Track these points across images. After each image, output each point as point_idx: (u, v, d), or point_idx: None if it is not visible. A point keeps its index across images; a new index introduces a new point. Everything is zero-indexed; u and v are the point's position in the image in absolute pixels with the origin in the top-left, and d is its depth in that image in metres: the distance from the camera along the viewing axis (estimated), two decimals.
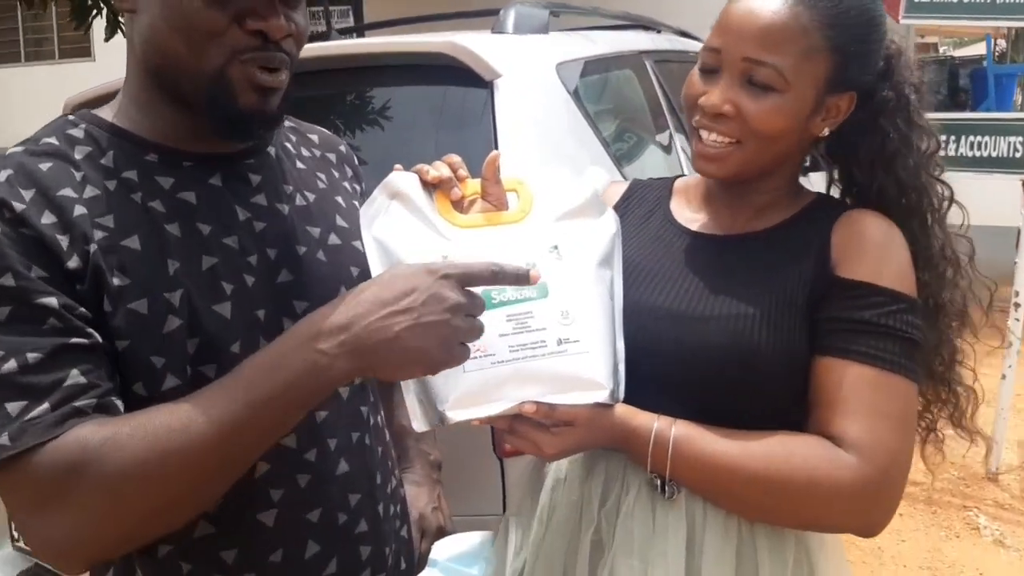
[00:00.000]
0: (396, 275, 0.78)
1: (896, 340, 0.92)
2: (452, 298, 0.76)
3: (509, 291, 0.88)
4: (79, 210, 0.80)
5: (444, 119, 1.77)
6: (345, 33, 2.47)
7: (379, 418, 1.02)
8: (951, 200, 1.06)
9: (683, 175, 1.20)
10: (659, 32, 3.13)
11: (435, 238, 0.91)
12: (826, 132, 1.01)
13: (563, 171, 1.02)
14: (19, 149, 0.83)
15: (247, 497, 0.86)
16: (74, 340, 0.76)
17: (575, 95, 1.88)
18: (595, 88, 2.11)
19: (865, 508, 0.89)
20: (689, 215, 1.10)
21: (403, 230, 0.90)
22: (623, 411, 0.93)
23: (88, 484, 0.71)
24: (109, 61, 4.84)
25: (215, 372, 0.82)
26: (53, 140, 0.84)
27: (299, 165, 1.00)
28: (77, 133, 0.86)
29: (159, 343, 0.80)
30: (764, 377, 0.94)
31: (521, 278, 0.82)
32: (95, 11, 4.18)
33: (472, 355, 0.83)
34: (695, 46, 2.96)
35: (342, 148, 1.11)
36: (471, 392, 0.86)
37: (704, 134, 0.98)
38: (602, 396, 0.89)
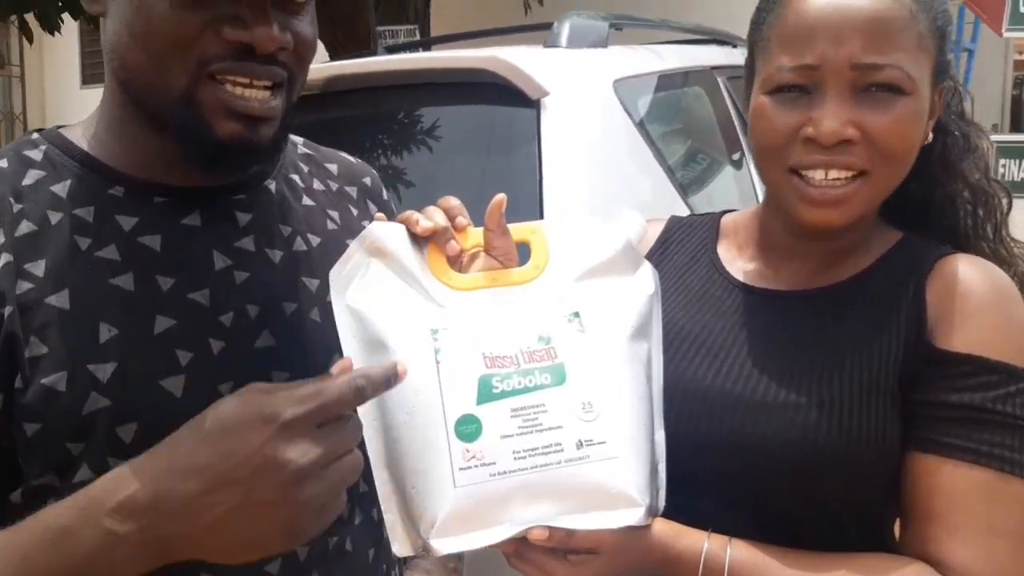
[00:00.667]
0: (221, 425, 0.57)
1: (1017, 431, 0.74)
2: (294, 461, 0.56)
3: (515, 377, 0.71)
4: (4, 258, 0.66)
5: (488, 141, 1.63)
6: (396, 50, 2.38)
7: (373, 512, 0.82)
8: (1011, 206, 0.91)
9: (731, 211, 1.00)
10: (735, 47, 2.96)
11: (425, 306, 0.74)
12: (930, 138, 0.83)
13: (588, 217, 0.83)
14: None
15: None
16: None
17: (635, 115, 1.71)
18: (659, 107, 1.93)
19: None
20: (742, 263, 0.91)
21: (384, 296, 0.73)
22: (664, 529, 0.74)
23: None
24: None
25: None
26: (3, 163, 0.71)
27: (306, 201, 0.83)
28: (35, 155, 0.73)
29: (77, 427, 0.65)
30: (841, 480, 0.77)
31: (391, 379, 0.61)
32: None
33: (465, 464, 0.67)
34: None
35: (367, 180, 0.93)
36: (463, 514, 0.67)
37: (814, 174, 0.79)
38: (635, 517, 0.70)
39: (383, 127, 1.74)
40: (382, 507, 0.70)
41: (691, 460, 0.77)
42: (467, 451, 0.68)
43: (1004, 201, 0.90)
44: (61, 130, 0.76)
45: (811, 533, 0.77)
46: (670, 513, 0.74)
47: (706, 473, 0.79)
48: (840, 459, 0.76)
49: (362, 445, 0.66)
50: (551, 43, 1.77)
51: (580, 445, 0.69)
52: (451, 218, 0.76)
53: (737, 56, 2.78)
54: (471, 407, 0.69)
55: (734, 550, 0.73)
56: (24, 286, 0.66)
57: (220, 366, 0.71)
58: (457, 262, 0.77)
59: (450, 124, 1.69)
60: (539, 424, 0.69)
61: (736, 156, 2.20)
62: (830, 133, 0.76)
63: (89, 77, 10.80)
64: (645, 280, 0.80)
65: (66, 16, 4.18)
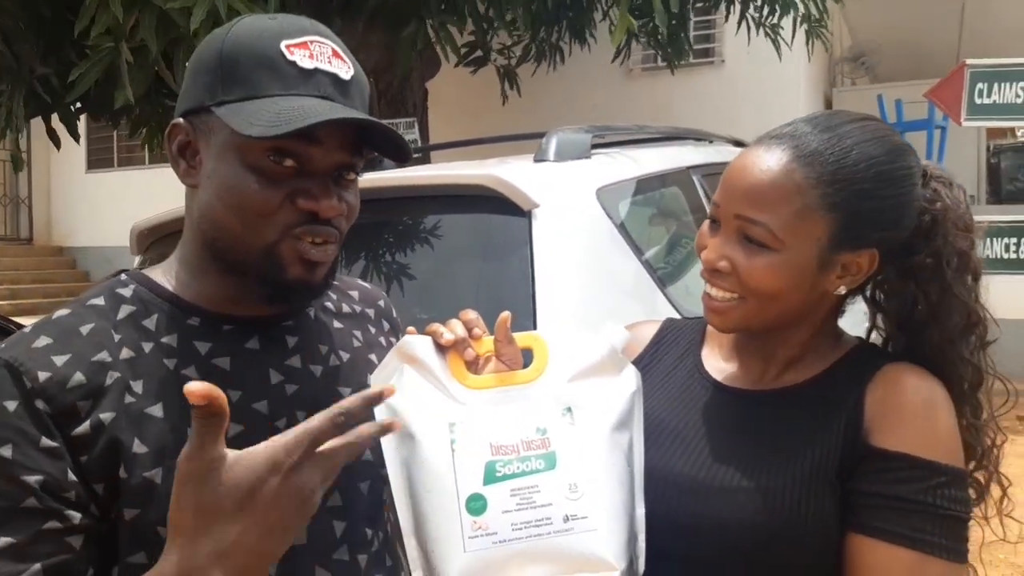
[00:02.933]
0: (243, 491, 0.69)
1: (937, 519, 0.84)
2: (307, 487, 0.70)
3: (515, 463, 0.85)
4: (112, 376, 0.82)
5: (485, 247, 1.80)
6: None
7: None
8: (995, 376, 0.97)
9: None
10: (711, 143, 3.15)
11: (446, 402, 0.89)
12: (843, 290, 0.95)
13: (579, 328, 0.99)
14: (65, 312, 0.87)
15: None
16: (48, 525, 0.76)
17: (616, 218, 1.88)
18: (638, 208, 2.11)
19: None
20: (719, 364, 1.05)
21: (415, 395, 0.89)
22: None
23: None
24: None
25: None
26: (100, 301, 0.88)
27: (336, 324, 1.01)
28: (125, 292, 0.90)
29: (165, 513, 0.79)
30: (792, 556, 0.89)
31: (373, 399, 0.75)
32: (159, 137, 4.54)
33: (473, 533, 0.81)
34: None
35: (381, 303, 1.12)
36: (471, 573, 0.82)
37: (707, 286, 0.96)
38: None
39: (393, 233, 1.90)
40: (411, 566, 0.84)
41: (663, 537, 0.90)
42: (475, 523, 0.82)
43: (973, 377, 0.96)
44: (145, 271, 0.94)
45: None
46: None
47: (674, 548, 0.91)
48: (785, 538, 0.87)
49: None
50: (540, 157, 1.94)
51: (566, 519, 0.83)
52: (468, 329, 0.93)
53: (713, 153, 2.96)
54: (479, 487, 0.84)
55: None
56: (128, 399, 0.82)
57: None
58: (473, 364, 0.93)
59: (452, 231, 1.85)
60: (533, 502, 0.83)
61: None
62: (707, 260, 0.95)
63: (93, 163, 10.96)
64: (628, 380, 0.93)
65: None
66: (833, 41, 8.13)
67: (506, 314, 0.93)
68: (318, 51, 0.86)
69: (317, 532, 0.88)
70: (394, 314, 1.13)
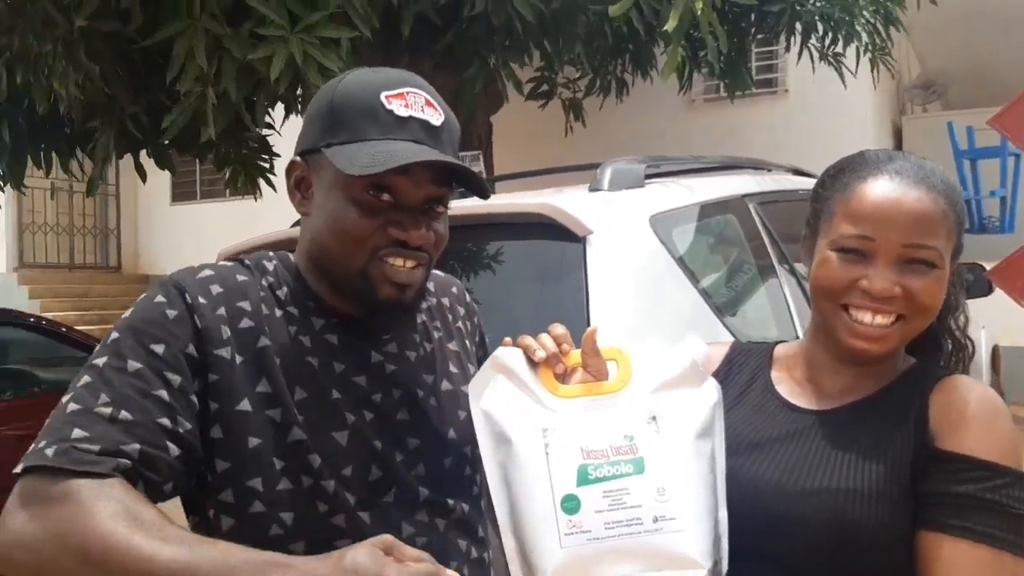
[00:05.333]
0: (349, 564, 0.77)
1: (1003, 516, 0.90)
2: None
3: (605, 467, 0.90)
4: (246, 322, 0.97)
5: (542, 273, 1.89)
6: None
7: (485, 555, 1.07)
8: (975, 351, 1.13)
9: (782, 341, 1.23)
10: (769, 171, 3.18)
11: (538, 409, 0.96)
12: None
13: (658, 343, 1.05)
14: (226, 263, 1.04)
15: None
16: (163, 420, 0.88)
17: (670, 245, 1.95)
18: (691, 236, 2.17)
19: None
20: (789, 387, 1.12)
21: (508, 403, 0.97)
22: None
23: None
24: (269, 201, 5.45)
25: (333, 487, 0.95)
26: (251, 264, 1.05)
27: (422, 317, 1.14)
28: (269, 265, 1.06)
29: (285, 448, 0.95)
30: (867, 553, 0.93)
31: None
32: (242, 176, 4.84)
33: (569, 531, 0.87)
34: (809, 183, 2.98)
35: (454, 290, 1.25)
36: (567, 568, 0.87)
37: (863, 315, 1.00)
38: (699, 575, 0.87)
39: (455, 259, 2.01)
40: (509, 564, 0.92)
41: (746, 537, 0.95)
42: (570, 521, 0.87)
43: (970, 349, 1.13)
44: (289, 254, 1.09)
45: None
46: None
47: (755, 548, 0.97)
48: (863, 537, 0.93)
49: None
50: (594, 187, 2.03)
51: (656, 520, 0.88)
52: (558, 344, 1.01)
53: (769, 181, 2.99)
54: (572, 488, 0.90)
55: None
56: (261, 342, 0.97)
57: (372, 428, 1.00)
58: (561, 376, 1.00)
59: (510, 258, 1.97)
60: (624, 503, 0.88)
61: (769, 276, 2.38)
62: (880, 291, 0.98)
63: (178, 196, 11.45)
64: (709, 392, 0.99)
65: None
66: (901, 69, 8.03)
67: (594, 327, 1.00)
68: (412, 100, 1.00)
69: (403, 495, 1.00)
70: (467, 298, 1.26)
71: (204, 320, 0.95)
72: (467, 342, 1.19)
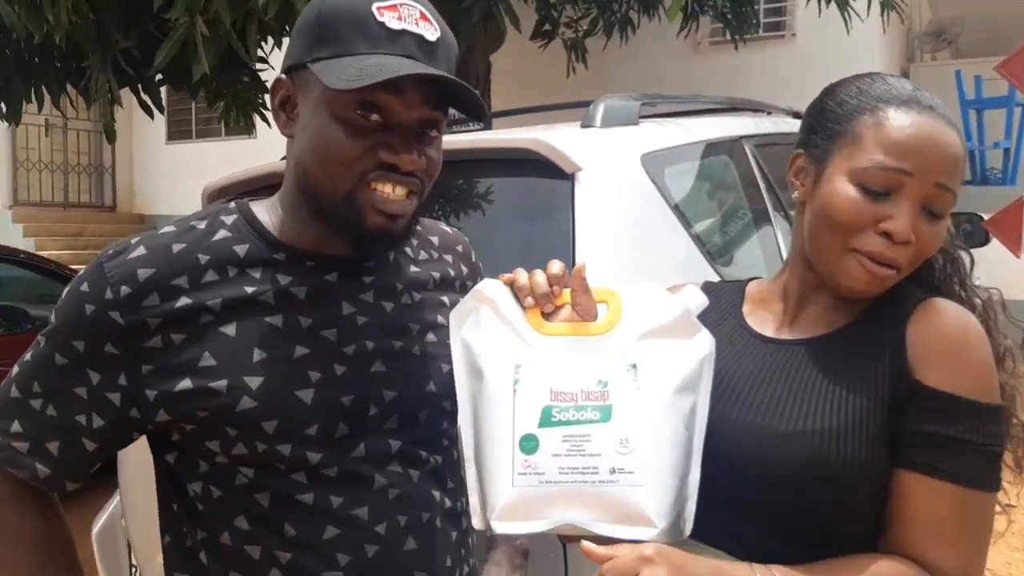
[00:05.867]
0: None
1: (983, 456, 0.91)
2: None
3: (571, 411, 0.87)
4: (183, 301, 0.93)
5: (529, 211, 1.85)
6: (456, 125, 2.62)
7: (458, 504, 1.06)
8: (972, 265, 1.08)
9: (757, 277, 1.19)
10: (769, 114, 3.11)
11: (517, 345, 0.93)
12: None
13: (657, 286, 0.98)
14: (170, 228, 0.99)
15: (315, 557, 0.93)
16: (79, 418, 0.93)
17: (661, 185, 1.90)
18: (685, 177, 2.12)
19: None
20: (762, 321, 1.09)
21: (488, 335, 0.94)
22: (714, 566, 0.88)
23: None
24: (267, 139, 5.36)
25: (290, 450, 0.92)
26: (202, 224, 0.99)
27: (413, 268, 1.09)
28: (227, 220, 1.00)
29: (232, 418, 0.92)
30: (847, 494, 0.92)
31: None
32: (225, 99, 4.73)
33: (523, 470, 0.86)
34: None
35: (459, 248, 1.19)
36: (515, 507, 0.86)
37: (869, 262, 0.95)
38: (649, 535, 0.84)
39: (444, 193, 1.97)
40: (469, 493, 0.92)
41: (719, 480, 0.92)
42: (525, 461, 0.86)
43: (967, 260, 1.08)
44: (252, 204, 1.04)
45: (814, 538, 0.93)
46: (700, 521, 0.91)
47: (730, 491, 0.95)
48: (841, 478, 0.91)
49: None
50: (586, 123, 1.97)
51: (613, 471, 0.85)
52: (550, 285, 0.95)
53: (768, 124, 2.93)
54: (534, 428, 0.88)
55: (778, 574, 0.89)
56: (204, 318, 0.93)
57: (341, 383, 0.97)
58: (549, 313, 0.95)
59: (497, 194, 1.92)
60: (583, 450, 0.86)
61: (762, 219, 2.34)
62: (903, 234, 0.93)
63: (174, 134, 11.36)
64: (700, 345, 0.93)
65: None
66: (912, 15, 7.85)
67: (582, 263, 0.95)
68: (406, 13, 0.93)
69: (375, 448, 0.98)
70: (474, 258, 1.21)
71: (127, 316, 0.92)
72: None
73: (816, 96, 1.08)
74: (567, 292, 0.97)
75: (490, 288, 0.97)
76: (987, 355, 0.94)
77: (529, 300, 0.94)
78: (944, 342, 0.93)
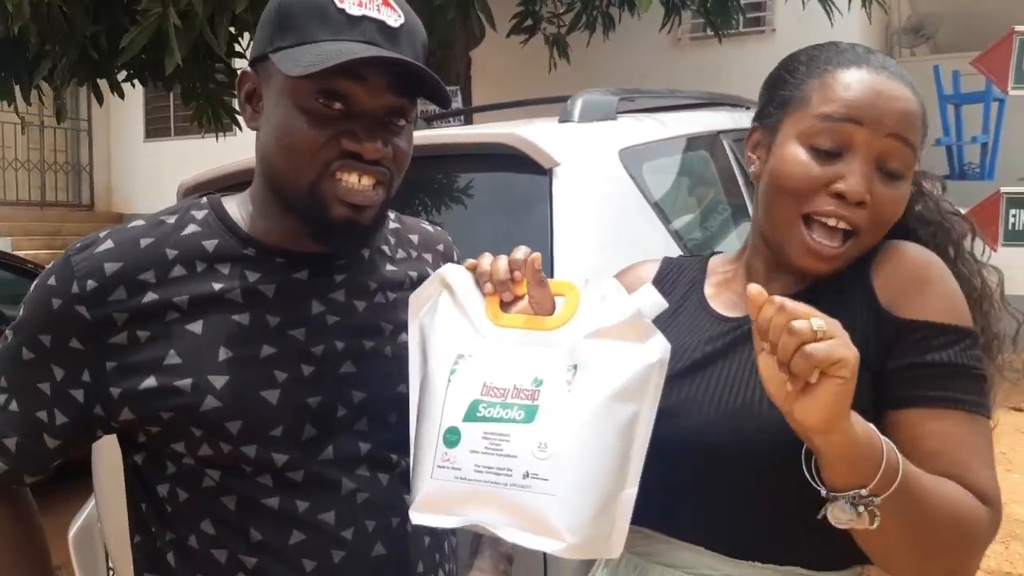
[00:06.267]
0: None
1: (974, 379, 0.89)
2: None
3: (497, 407, 0.84)
4: (150, 296, 0.91)
5: (507, 206, 1.84)
6: (435, 120, 2.62)
7: None
8: (974, 232, 1.03)
9: (719, 252, 1.17)
10: (748, 108, 3.12)
11: (468, 334, 0.91)
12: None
13: (614, 283, 0.91)
14: (139, 223, 0.96)
15: (281, 562, 0.92)
16: (40, 414, 0.91)
17: (639, 179, 1.90)
18: (663, 172, 2.12)
19: (983, 553, 0.89)
20: (725, 297, 1.06)
21: (443, 321, 0.92)
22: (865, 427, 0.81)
23: None
24: (246, 137, 5.28)
25: (255, 452, 0.90)
26: (171, 219, 0.97)
27: (389, 267, 1.06)
28: (197, 215, 0.98)
29: (197, 418, 0.90)
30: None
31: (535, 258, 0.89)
32: (199, 99, 4.70)
33: (442, 463, 0.84)
34: None
35: (440, 247, 1.16)
36: (432, 499, 0.84)
37: (818, 231, 0.92)
38: (556, 548, 0.79)
39: (421, 189, 1.96)
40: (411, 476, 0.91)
41: (690, 463, 0.91)
42: (445, 455, 0.84)
43: (965, 227, 1.04)
44: (224, 200, 1.01)
45: (796, 496, 0.85)
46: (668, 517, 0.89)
47: (707, 472, 0.91)
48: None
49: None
50: (564, 118, 1.96)
51: (526, 476, 0.80)
52: (512, 270, 0.92)
53: (747, 118, 2.92)
54: (458, 421, 0.85)
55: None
56: (171, 315, 0.91)
57: (309, 384, 0.95)
58: (507, 304, 0.92)
59: (475, 189, 1.91)
60: (500, 450, 0.82)
61: (741, 214, 2.34)
62: (856, 193, 0.89)
63: (152, 132, 11.24)
64: (650, 351, 0.85)
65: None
66: (891, 11, 7.89)
67: (536, 255, 0.91)
68: (368, 0, 0.91)
69: (343, 450, 0.96)
70: (455, 257, 1.18)
71: (93, 311, 0.90)
72: None
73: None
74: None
75: (452, 273, 0.94)
76: (954, 283, 0.93)
77: (488, 287, 0.92)
78: (912, 274, 0.92)
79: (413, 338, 0.94)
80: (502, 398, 0.85)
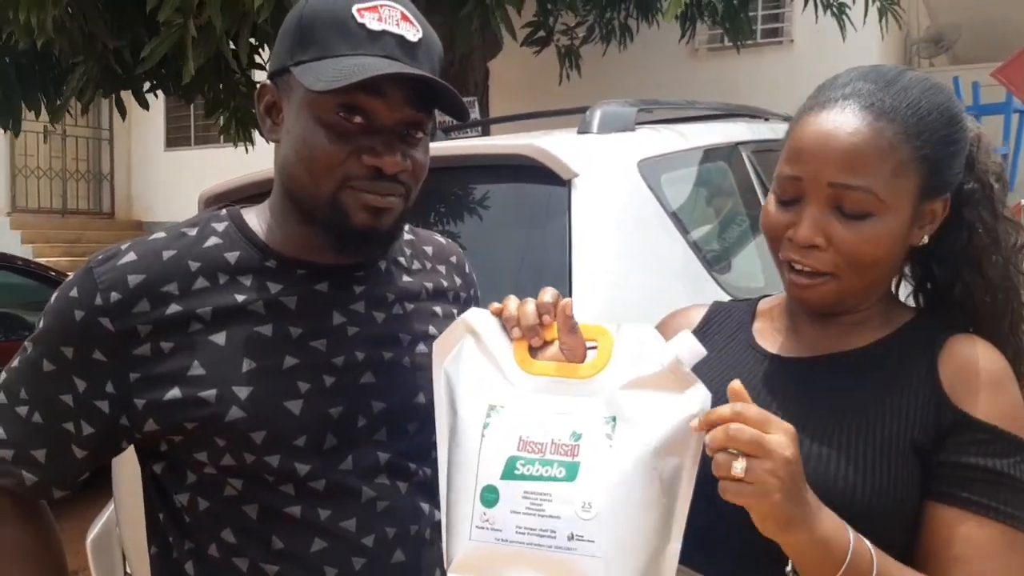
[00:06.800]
0: None
1: (1023, 496, 0.85)
2: None
3: (536, 464, 0.80)
4: (173, 308, 0.92)
5: (526, 217, 1.84)
6: (453, 131, 2.63)
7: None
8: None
9: (769, 295, 1.14)
10: (766, 120, 3.11)
11: (497, 382, 0.87)
12: (925, 240, 0.94)
13: (650, 329, 0.88)
14: (160, 235, 0.97)
15: (303, 570, 0.93)
16: (67, 425, 0.91)
17: (658, 191, 1.89)
18: (681, 184, 2.11)
19: None
20: (772, 338, 1.03)
21: (469, 369, 0.88)
22: (816, 503, 0.80)
23: None
24: (266, 147, 5.33)
25: (278, 461, 0.91)
26: (193, 231, 0.98)
27: (406, 278, 1.07)
28: (218, 226, 0.99)
29: (221, 428, 0.91)
30: (867, 523, 0.84)
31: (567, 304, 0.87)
32: (223, 111, 4.73)
33: (481, 524, 0.80)
34: None
35: (454, 259, 1.18)
36: (470, 561, 0.81)
37: (793, 273, 0.92)
38: None
39: (440, 200, 1.97)
40: (443, 536, 0.86)
41: (728, 523, 0.84)
42: (484, 514, 0.80)
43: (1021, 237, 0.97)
44: (243, 211, 1.03)
45: None
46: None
47: (745, 522, 0.82)
48: (856, 506, 0.85)
49: None
50: (583, 129, 1.96)
51: (571, 538, 0.77)
52: (540, 314, 0.88)
53: (766, 130, 2.92)
54: (495, 480, 0.81)
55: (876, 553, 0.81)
56: (194, 327, 0.92)
57: (330, 394, 0.95)
58: (536, 349, 0.89)
59: (494, 200, 1.91)
60: (542, 510, 0.78)
61: (758, 227, 2.33)
62: (802, 238, 0.89)
63: (172, 141, 11.35)
64: (692, 401, 0.80)
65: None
66: (910, 21, 7.87)
67: (568, 301, 0.88)
68: (387, 14, 0.92)
69: (363, 459, 0.96)
70: (467, 269, 1.20)
71: (117, 323, 0.91)
72: (455, 311, 1.11)
73: None
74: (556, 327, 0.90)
75: (476, 318, 0.91)
76: (1019, 394, 0.90)
77: (516, 332, 0.88)
78: (986, 376, 0.88)
79: (439, 387, 0.89)
80: (540, 454, 0.81)
